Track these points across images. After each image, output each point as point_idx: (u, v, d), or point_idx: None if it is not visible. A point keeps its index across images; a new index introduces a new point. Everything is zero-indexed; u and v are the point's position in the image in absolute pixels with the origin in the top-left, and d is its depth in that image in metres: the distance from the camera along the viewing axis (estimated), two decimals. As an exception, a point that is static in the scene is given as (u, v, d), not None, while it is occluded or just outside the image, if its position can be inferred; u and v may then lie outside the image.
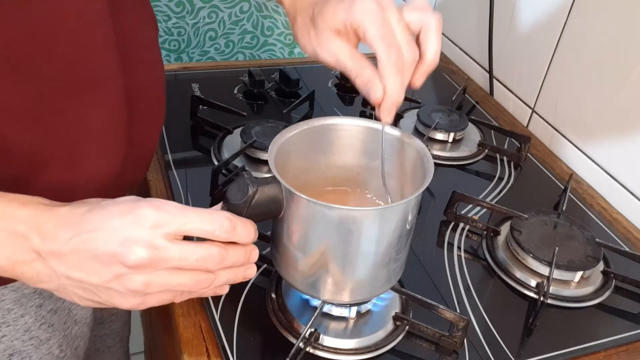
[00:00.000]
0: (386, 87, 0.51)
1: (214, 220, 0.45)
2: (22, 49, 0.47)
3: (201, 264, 0.45)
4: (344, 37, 0.53)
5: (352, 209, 0.51)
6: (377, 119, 0.54)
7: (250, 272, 0.49)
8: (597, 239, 0.71)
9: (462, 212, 0.77)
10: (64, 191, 0.48)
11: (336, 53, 0.53)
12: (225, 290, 0.49)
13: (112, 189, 0.57)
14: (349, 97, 1.01)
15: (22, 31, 0.46)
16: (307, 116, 0.93)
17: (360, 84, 0.52)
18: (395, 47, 0.50)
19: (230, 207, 0.48)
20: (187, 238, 0.45)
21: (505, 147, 0.92)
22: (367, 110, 0.98)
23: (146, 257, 0.42)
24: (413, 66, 0.52)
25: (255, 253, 0.49)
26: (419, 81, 0.54)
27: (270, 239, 0.58)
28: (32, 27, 0.46)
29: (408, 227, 0.53)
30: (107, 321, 0.85)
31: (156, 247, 0.42)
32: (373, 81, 0.51)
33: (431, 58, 0.53)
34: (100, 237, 0.42)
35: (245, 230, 0.47)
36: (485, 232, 0.74)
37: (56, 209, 0.45)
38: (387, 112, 0.52)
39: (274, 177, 0.50)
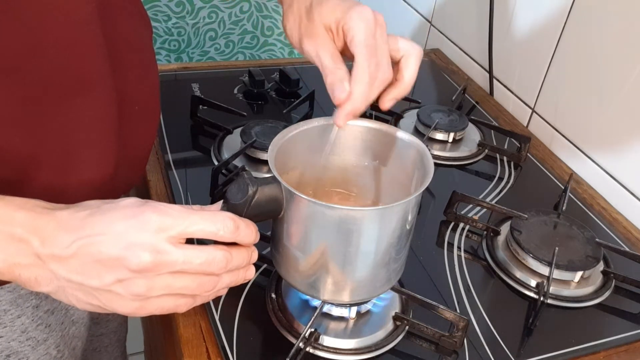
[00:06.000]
0: (353, 90, 0.52)
1: (217, 221, 0.45)
2: (11, 54, 0.46)
3: (205, 268, 0.45)
4: (331, 36, 0.55)
5: (352, 209, 0.51)
6: (377, 117, 0.54)
7: (249, 274, 0.49)
8: (597, 239, 0.71)
9: (462, 212, 0.77)
10: (57, 195, 0.48)
11: (319, 47, 0.54)
12: (224, 292, 0.49)
13: (105, 192, 0.57)
14: (349, 97, 1.01)
15: (10, 36, 0.46)
16: (307, 116, 0.93)
17: (330, 81, 0.53)
18: (375, 59, 0.52)
19: (230, 207, 0.48)
20: (189, 241, 0.45)
21: (505, 147, 0.92)
22: (367, 110, 0.98)
23: (150, 261, 0.42)
24: (383, 86, 0.54)
25: (255, 254, 0.49)
26: (388, 103, 0.56)
27: (270, 239, 0.58)
28: (20, 32, 0.46)
29: (408, 227, 0.53)
30: (103, 321, 0.85)
31: (160, 251, 0.42)
32: (342, 81, 0.52)
33: (408, 80, 0.56)
34: (104, 241, 0.42)
35: (248, 230, 0.47)
36: (485, 232, 0.74)
37: (55, 212, 0.44)
38: (343, 116, 0.53)
39: (273, 177, 0.50)
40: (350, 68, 0.53)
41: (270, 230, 0.56)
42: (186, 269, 0.44)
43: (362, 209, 0.53)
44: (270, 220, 0.54)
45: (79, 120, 0.52)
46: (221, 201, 0.49)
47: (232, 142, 0.84)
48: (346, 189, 0.61)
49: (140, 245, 0.42)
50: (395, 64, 0.56)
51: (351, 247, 0.51)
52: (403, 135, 0.56)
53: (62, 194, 0.51)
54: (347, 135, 0.58)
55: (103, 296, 0.44)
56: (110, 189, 0.59)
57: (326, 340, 0.58)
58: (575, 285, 0.68)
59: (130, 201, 0.45)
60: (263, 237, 0.64)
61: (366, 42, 0.52)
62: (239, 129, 0.83)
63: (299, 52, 0.57)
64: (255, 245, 0.49)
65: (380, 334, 0.59)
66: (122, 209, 0.44)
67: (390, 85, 0.55)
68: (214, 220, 0.45)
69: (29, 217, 0.43)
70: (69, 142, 0.53)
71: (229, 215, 0.46)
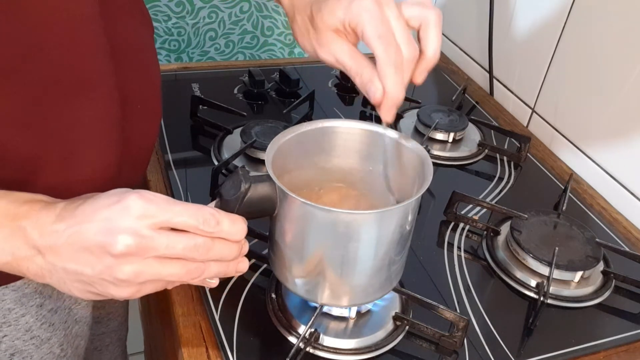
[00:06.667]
0: (385, 86, 0.50)
1: (200, 215, 0.45)
2: (13, 54, 0.47)
3: (188, 253, 0.45)
4: (344, 36, 0.53)
5: (348, 213, 0.51)
6: (378, 119, 0.53)
7: (242, 266, 0.49)
8: (597, 239, 0.71)
9: (462, 212, 0.76)
10: (59, 194, 0.49)
11: (335, 52, 0.53)
12: (214, 284, 0.49)
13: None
14: (348, 97, 1.01)
15: (12, 36, 0.46)
16: (307, 116, 0.93)
17: (360, 83, 0.51)
18: (393, 46, 0.50)
19: (223, 203, 0.48)
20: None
21: (505, 147, 0.92)
22: (367, 110, 0.98)
23: (132, 244, 0.42)
24: (413, 64, 0.52)
25: (245, 247, 0.49)
26: (420, 77, 0.54)
27: (268, 239, 0.57)
28: (22, 32, 0.46)
29: (408, 227, 0.53)
30: (104, 320, 0.85)
31: (142, 236, 0.43)
32: (372, 81, 0.50)
33: (431, 54, 0.52)
34: (90, 228, 0.43)
35: (234, 227, 0.47)
36: (485, 232, 0.74)
37: (54, 205, 0.45)
38: (387, 111, 0.51)
39: (268, 176, 0.49)
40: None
41: (268, 231, 0.56)
42: (170, 254, 0.44)
43: (359, 212, 0.52)
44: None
45: (81, 120, 0.53)
46: (217, 198, 0.49)
47: (232, 142, 0.84)
48: (349, 193, 0.61)
49: (121, 230, 0.42)
50: (416, 33, 0.53)
51: (348, 251, 0.51)
52: (405, 139, 0.56)
53: (65, 194, 0.51)
54: (349, 138, 0.58)
55: (98, 284, 0.45)
56: (113, 187, 0.59)
57: (326, 340, 0.58)
58: (575, 285, 0.68)
59: (119, 190, 0.45)
60: (263, 237, 0.64)
61: (378, 32, 0.49)
62: (239, 129, 0.83)
63: (321, 61, 0.55)
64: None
65: (380, 334, 0.59)
66: (109, 197, 0.44)
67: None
68: (196, 215, 0.45)
69: (33, 210, 0.45)
70: (71, 142, 0.53)
71: (211, 210, 0.46)
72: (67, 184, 0.54)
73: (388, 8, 0.50)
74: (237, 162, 0.80)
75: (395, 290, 0.61)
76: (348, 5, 0.51)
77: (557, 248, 0.68)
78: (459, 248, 0.72)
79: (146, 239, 0.43)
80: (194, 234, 0.45)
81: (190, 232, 0.45)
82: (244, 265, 0.50)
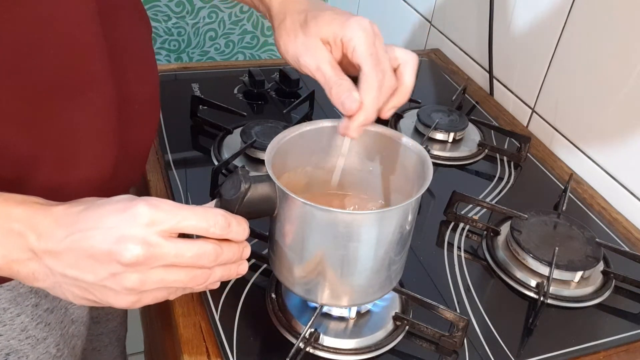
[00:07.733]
0: (364, 100, 0.52)
1: (209, 218, 0.45)
2: (11, 53, 0.47)
3: (196, 261, 0.45)
4: (329, 49, 0.55)
5: (348, 213, 0.51)
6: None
7: (242, 269, 0.49)
8: (597, 239, 0.71)
9: (462, 212, 0.77)
10: (56, 194, 0.49)
11: (319, 59, 0.55)
12: (216, 286, 0.49)
13: (105, 191, 0.57)
14: (349, 97, 1.01)
15: (11, 35, 0.46)
16: (307, 116, 0.93)
17: (336, 93, 0.53)
18: (381, 67, 0.53)
19: (223, 203, 0.48)
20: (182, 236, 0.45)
21: (505, 147, 0.92)
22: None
23: (141, 254, 0.42)
24: (389, 93, 0.54)
25: (247, 250, 0.49)
26: (389, 112, 0.56)
27: (268, 239, 0.57)
28: (21, 31, 0.46)
29: (408, 228, 0.53)
30: (103, 320, 0.85)
31: (151, 245, 0.42)
32: (350, 92, 0.52)
33: (406, 89, 0.56)
34: (96, 235, 0.42)
35: (240, 227, 0.47)
36: (485, 232, 0.74)
37: (52, 208, 0.45)
38: (357, 127, 0.53)
39: (268, 176, 0.49)
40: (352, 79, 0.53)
41: (268, 231, 0.56)
42: (178, 262, 0.44)
43: (358, 212, 0.53)
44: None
45: (79, 119, 0.53)
46: (217, 198, 0.49)
47: (232, 142, 0.84)
48: (349, 193, 0.61)
49: (131, 238, 0.42)
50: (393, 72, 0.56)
51: (348, 251, 0.51)
52: (406, 140, 0.56)
53: (62, 192, 0.51)
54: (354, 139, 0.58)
55: (98, 291, 0.44)
56: (110, 188, 0.59)
57: (326, 340, 0.58)
58: (575, 285, 0.68)
59: (124, 196, 0.45)
60: (263, 237, 0.64)
61: (369, 51, 0.52)
62: (239, 129, 0.83)
63: (295, 66, 0.57)
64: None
65: (380, 334, 0.59)
66: (115, 203, 0.44)
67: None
68: (206, 217, 0.45)
69: (27, 212, 0.44)
70: (69, 142, 0.53)
71: (221, 212, 0.46)
72: (64, 184, 0.54)
73: (379, 39, 0.54)
74: (237, 162, 0.80)
75: (395, 290, 0.61)
76: (346, 20, 0.54)
77: (557, 248, 0.68)
78: (459, 248, 0.72)
79: (155, 247, 0.42)
80: (203, 240, 0.45)
81: (201, 235, 0.45)
82: (244, 267, 0.50)
